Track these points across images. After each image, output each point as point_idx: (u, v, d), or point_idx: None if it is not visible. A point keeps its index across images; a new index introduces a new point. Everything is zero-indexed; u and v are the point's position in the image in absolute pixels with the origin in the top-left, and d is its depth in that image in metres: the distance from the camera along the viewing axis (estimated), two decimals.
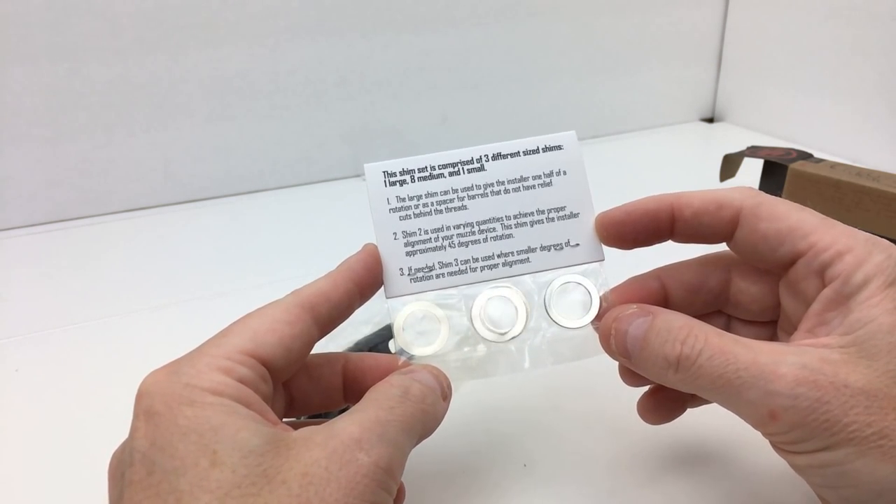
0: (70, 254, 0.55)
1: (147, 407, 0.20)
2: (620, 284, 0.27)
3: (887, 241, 0.22)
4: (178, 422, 0.19)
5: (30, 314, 0.45)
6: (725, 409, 0.23)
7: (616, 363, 0.26)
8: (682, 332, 0.22)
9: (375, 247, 0.27)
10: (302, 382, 0.26)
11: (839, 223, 0.23)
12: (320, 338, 0.25)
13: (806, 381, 0.20)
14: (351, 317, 0.26)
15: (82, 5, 0.55)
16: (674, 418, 0.28)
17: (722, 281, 0.27)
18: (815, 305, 0.22)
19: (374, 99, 0.68)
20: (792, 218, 0.23)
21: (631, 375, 0.27)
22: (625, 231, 0.26)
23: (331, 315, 0.25)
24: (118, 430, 0.22)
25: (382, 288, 0.27)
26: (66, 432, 0.34)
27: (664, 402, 0.27)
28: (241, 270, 0.51)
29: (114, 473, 0.21)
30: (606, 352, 0.25)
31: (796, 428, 0.20)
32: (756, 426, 0.22)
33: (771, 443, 0.22)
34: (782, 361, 0.21)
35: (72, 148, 0.59)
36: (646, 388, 0.28)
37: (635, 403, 0.28)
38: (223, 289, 0.48)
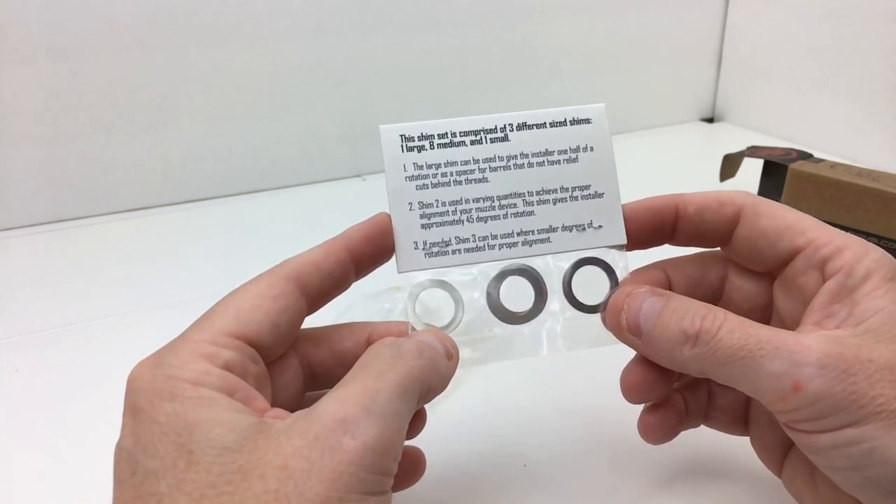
0: (70, 254, 0.55)
1: (132, 403, 0.20)
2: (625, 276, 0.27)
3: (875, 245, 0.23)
4: (159, 419, 0.19)
5: (30, 314, 0.45)
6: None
7: (618, 362, 0.26)
8: (701, 309, 0.23)
9: (387, 217, 0.25)
10: (323, 355, 0.25)
11: (831, 226, 0.24)
12: (311, 311, 0.23)
13: (833, 352, 0.20)
14: (361, 291, 0.23)
15: (82, 5, 0.55)
16: (674, 436, 0.27)
17: (720, 277, 0.27)
18: (820, 298, 0.23)
19: (374, 99, 0.68)
20: (789, 217, 0.24)
21: (633, 389, 0.26)
22: (630, 227, 0.26)
23: (321, 286, 0.23)
24: (118, 430, 0.22)
25: (395, 261, 0.25)
26: (66, 432, 0.34)
27: (664, 419, 0.27)
28: (241, 270, 0.51)
29: (113, 468, 0.20)
30: (614, 329, 0.25)
31: (821, 399, 0.20)
32: (774, 401, 0.21)
33: (786, 425, 0.22)
34: (806, 335, 0.21)
35: (72, 148, 0.59)
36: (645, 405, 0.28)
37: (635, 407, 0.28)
38: (223, 289, 0.47)
